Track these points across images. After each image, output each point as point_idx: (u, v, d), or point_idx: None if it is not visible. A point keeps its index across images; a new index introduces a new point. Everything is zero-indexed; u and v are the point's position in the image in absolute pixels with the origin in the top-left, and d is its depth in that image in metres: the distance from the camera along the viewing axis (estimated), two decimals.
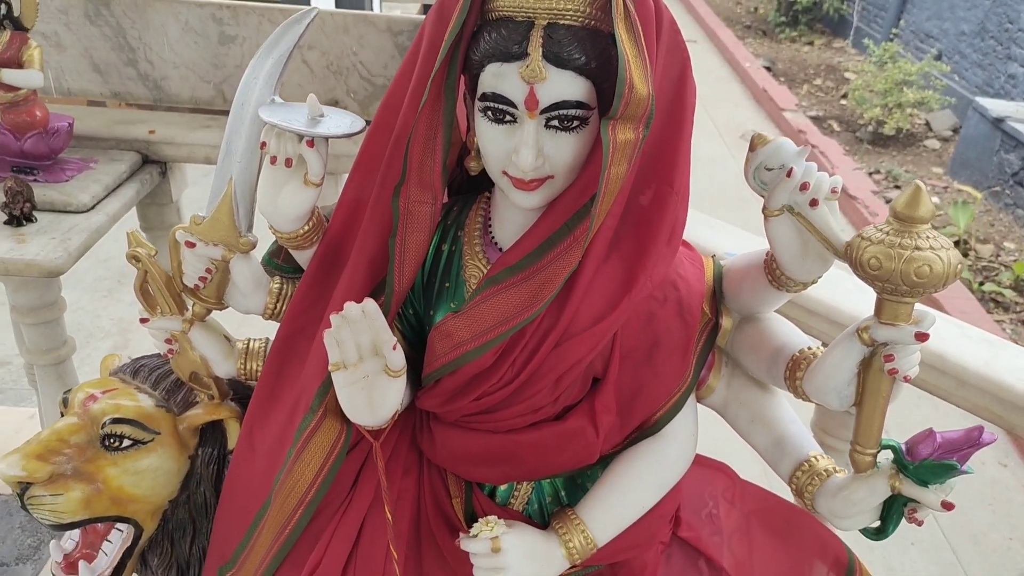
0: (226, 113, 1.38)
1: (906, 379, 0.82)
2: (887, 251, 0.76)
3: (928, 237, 0.77)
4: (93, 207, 1.41)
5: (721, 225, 1.39)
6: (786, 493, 1.07)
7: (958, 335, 1.09)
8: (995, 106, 5.19)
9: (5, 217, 1.34)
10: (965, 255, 4.39)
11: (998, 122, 5.01)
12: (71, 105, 1.71)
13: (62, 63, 1.67)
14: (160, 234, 1.76)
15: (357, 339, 0.83)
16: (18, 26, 1.40)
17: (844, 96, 6.70)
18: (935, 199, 5.12)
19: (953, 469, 0.81)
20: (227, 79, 1.68)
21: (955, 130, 5.96)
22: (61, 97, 1.71)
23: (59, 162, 1.48)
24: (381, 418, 0.89)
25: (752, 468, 1.22)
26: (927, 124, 6.26)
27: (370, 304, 0.82)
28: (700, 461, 1.23)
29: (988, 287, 4.06)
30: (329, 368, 0.85)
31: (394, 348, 0.84)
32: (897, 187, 5.28)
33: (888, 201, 5.04)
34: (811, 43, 8.43)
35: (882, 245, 0.77)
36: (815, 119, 6.28)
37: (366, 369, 0.85)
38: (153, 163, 1.61)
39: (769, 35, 8.71)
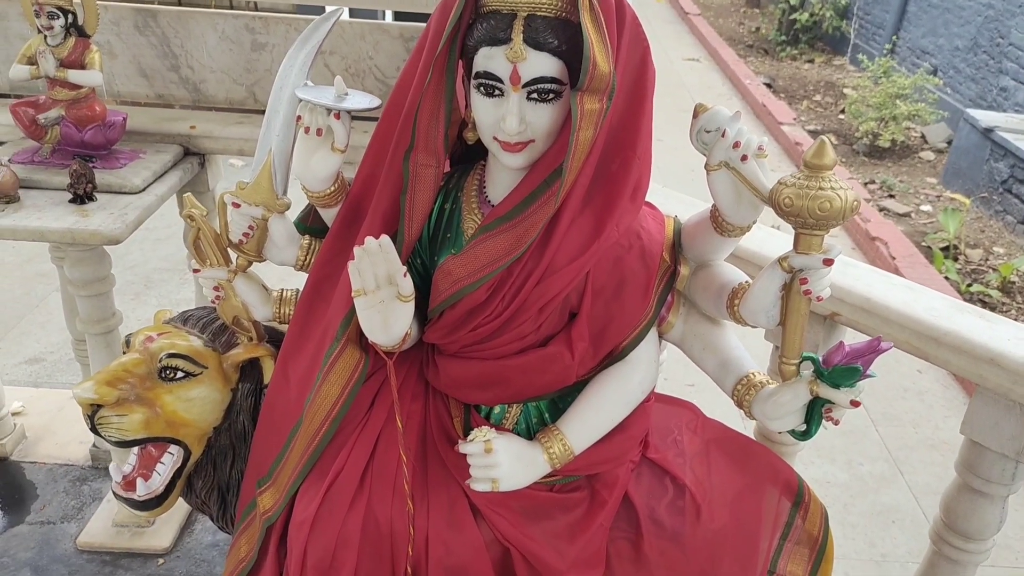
0: (257, 112, 1.60)
1: (819, 299, 1.01)
2: (798, 192, 0.96)
3: (830, 180, 0.96)
4: (144, 189, 1.63)
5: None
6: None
7: (885, 283, 1.27)
8: (985, 117, 5.37)
9: (70, 196, 1.55)
10: (955, 259, 4.56)
11: (988, 132, 5.20)
12: (121, 106, 1.92)
13: (113, 69, 1.89)
14: None
15: (375, 270, 1.03)
16: (82, 33, 1.62)
17: (842, 111, 6.89)
18: (928, 207, 5.30)
19: (859, 372, 1.00)
20: (258, 81, 1.89)
21: (949, 142, 6.14)
22: (111, 99, 1.93)
23: (113, 152, 1.69)
24: (394, 337, 1.08)
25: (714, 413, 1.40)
26: (922, 137, 6.45)
27: (385, 239, 1.02)
28: (669, 400, 1.43)
29: (976, 288, 4.22)
30: (352, 294, 1.05)
31: (404, 276, 1.04)
32: (891, 196, 5.46)
33: (881, 209, 5.23)
34: (811, 61, 8.64)
35: (794, 187, 0.96)
36: (813, 132, 6.47)
37: (382, 295, 1.05)
38: (193, 155, 1.83)
39: (770, 53, 8.92)
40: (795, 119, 6.61)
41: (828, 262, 0.98)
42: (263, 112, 1.67)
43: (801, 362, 1.05)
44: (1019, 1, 5.87)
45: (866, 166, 5.97)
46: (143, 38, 1.86)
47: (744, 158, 1.03)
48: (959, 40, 6.65)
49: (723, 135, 1.04)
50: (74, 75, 1.60)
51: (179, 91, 1.92)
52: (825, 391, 1.02)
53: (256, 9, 1.88)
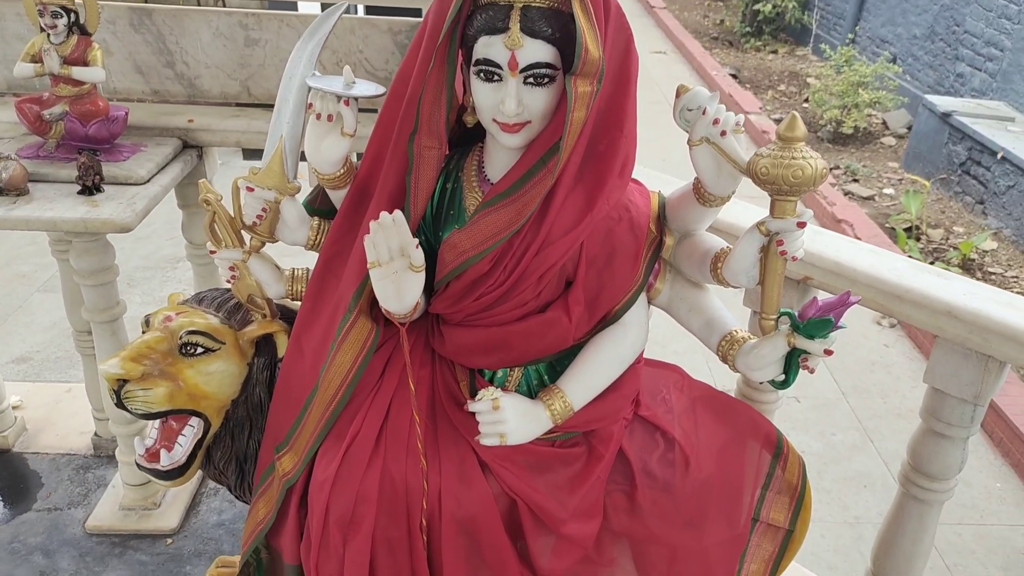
0: (252, 105, 1.68)
1: (794, 258, 1.12)
2: (773, 162, 1.06)
3: (802, 151, 1.06)
4: (149, 180, 1.69)
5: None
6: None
7: (853, 248, 1.39)
8: (943, 102, 5.56)
9: (79, 188, 1.62)
10: (917, 239, 4.74)
11: (946, 117, 5.38)
12: (118, 103, 1.98)
13: (109, 66, 1.94)
14: (195, 211, 2.04)
15: (388, 243, 1.12)
16: (84, 31, 1.69)
17: (806, 100, 7.07)
18: (890, 190, 5.48)
19: (831, 323, 1.11)
20: (251, 76, 1.96)
21: (910, 128, 6.33)
22: (108, 96, 1.98)
23: (116, 146, 1.76)
24: (407, 305, 1.17)
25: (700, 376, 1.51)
26: (884, 123, 6.64)
27: (398, 214, 1.11)
28: (657, 364, 1.53)
29: (938, 266, 4.39)
30: (368, 266, 1.13)
31: (416, 248, 1.12)
32: (856, 180, 5.63)
33: (846, 193, 5.40)
34: (775, 52, 8.83)
35: (770, 158, 1.07)
36: (778, 121, 6.63)
37: (395, 267, 1.13)
38: (192, 147, 1.90)
39: (735, 45, 9.10)
40: (761, 108, 6.78)
41: (801, 225, 1.08)
42: (257, 105, 1.76)
43: (779, 317, 1.16)
44: None
45: (831, 152, 6.14)
46: (138, 36, 1.92)
47: (723, 133, 1.13)
48: (917, 29, 6.86)
49: (704, 113, 1.14)
50: (78, 72, 1.67)
51: (174, 87, 1.98)
52: (801, 342, 1.13)
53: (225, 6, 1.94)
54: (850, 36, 7.77)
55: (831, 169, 5.76)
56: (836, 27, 8.28)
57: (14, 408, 2.40)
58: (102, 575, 1.95)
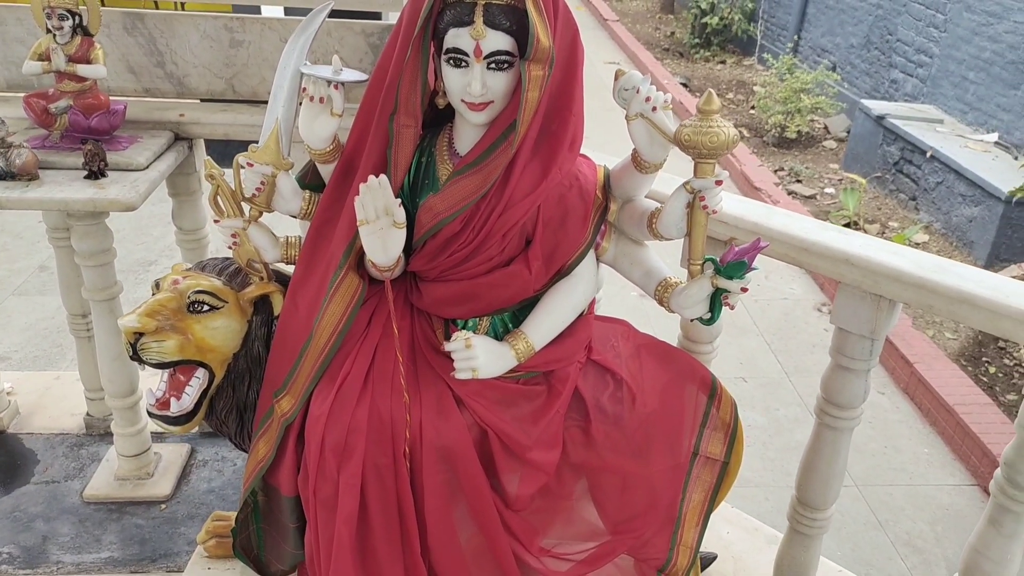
0: (236, 101, 1.87)
1: (714, 212, 1.34)
2: (694, 130, 1.29)
3: (717, 121, 1.29)
4: (148, 166, 1.87)
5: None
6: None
7: (768, 211, 1.62)
8: (877, 106, 5.92)
9: (85, 173, 1.79)
10: None
11: (880, 120, 5.74)
12: (113, 98, 2.15)
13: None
14: (185, 199, 2.22)
15: (375, 203, 1.32)
16: (86, 32, 1.86)
17: (753, 107, 7.42)
18: (831, 190, 5.81)
19: (745, 265, 1.33)
20: (236, 75, 2.15)
21: (849, 131, 6.70)
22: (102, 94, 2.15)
23: (115, 137, 1.92)
24: (391, 257, 1.37)
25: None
26: (825, 128, 7.01)
27: (383, 177, 1.31)
28: (607, 319, 1.75)
29: None
30: (358, 224, 1.33)
31: (399, 206, 1.33)
32: (799, 181, 5.95)
33: (790, 192, 5.71)
34: (723, 62, 9.20)
35: (691, 128, 1.29)
36: None
37: (381, 224, 1.33)
38: (183, 139, 2.07)
39: (686, 56, 9.46)
40: None
41: (719, 183, 1.31)
42: (242, 101, 1.96)
43: (703, 263, 1.38)
44: (903, 1, 6.47)
45: (775, 155, 6.47)
46: (131, 38, 2.10)
47: (654, 109, 1.36)
48: (854, 38, 7.25)
49: (637, 92, 1.36)
50: (82, 69, 1.84)
51: (164, 85, 2.16)
52: (722, 282, 1.35)
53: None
54: (791, 46, 8.16)
55: (775, 171, 6.09)
56: (780, 38, 8.68)
57: (7, 394, 2.53)
58: (102, 537, 2.10)
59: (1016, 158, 4.96)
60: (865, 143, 5.94)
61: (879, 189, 5.72)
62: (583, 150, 1.51)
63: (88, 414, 2.46)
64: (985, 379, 3.75)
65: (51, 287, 4.29)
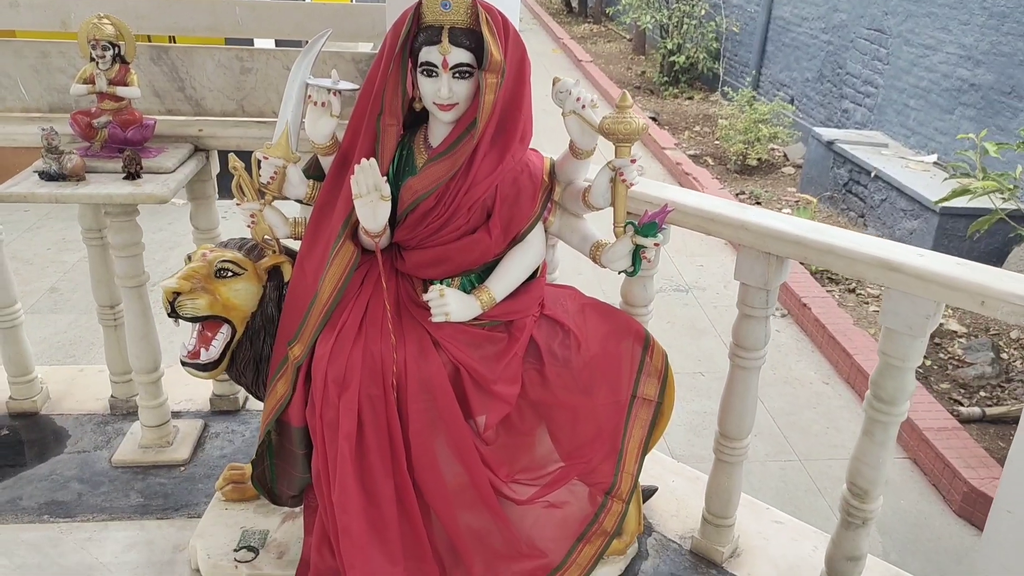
0: (246, 119, 2.25)
1: (631, 185, 1.72)
2: (613, 121, 1.67)
3: (630, 114, 1.68)
4: (175, 170, 2.24)
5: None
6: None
7: (684, 193, 2.01)
8: (827, 133, 6.40)
9: (124, 174, 2.16)
10: None
11: (830, 144, 6.21)
12: None
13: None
14: (201, 202, 2.59)
15: (367, 181, 1.69)
16: (124, 60, 2.24)
17: (718, 138, 7.90)
18: (788, 211, 6.24)
19: (656, 226, 1.71)
20: (246, 97, 2.53)
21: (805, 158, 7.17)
22: None
23: (146, 147, 2.30)
24: (380, 223, 1.74)
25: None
26: (785, 156, 7.48)
27: (373, 160, 1.68)
28: (559, 286, 2.12)
29: (825, 275, 5.11)
30: (353, 198, 1.70)
31: (385, 183, 1.70)
32: (758, 203, 6.39)
33: None
34: (691, 98, 9.73)
35: (611, 119, 1.68)
36: (693, 156, 7.43)
37: (372, 197, 1.71)
38: (201, 150, 2.45)
39: (656, 93, 9.99)
40: (676, 144, 7.56)
41: (633, 161, 1.70)
42: (252, 119, 2.34)
43: (625, 226, 1.76)
44: (851, 37, 7.00)
45: (738, 181, 6.92)
46: (156, 67, 2.48)
47: (583, 107, 1.75)
48: (808, 73, 7.77)
49: (569, 94, 1.75)
50: (121, 90, 2.22)
51: (184, 106, 2.54)
52: (639, 240, 1.73)
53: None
54: (751, 80, 8.69)
55: (736, 195, 6.53)
56: (742, 74, 9.22)
57: (39, 381, 2.85)
58: (130, 492, 2.42)
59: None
60: (818, 167, 6.40)
61: (831, 208, 6.17)
62: (539, 148, 1.90)
63: (113, 396, 2.79)
64: (921, 371, 4.13)
65: (61, 306, 4.63)
